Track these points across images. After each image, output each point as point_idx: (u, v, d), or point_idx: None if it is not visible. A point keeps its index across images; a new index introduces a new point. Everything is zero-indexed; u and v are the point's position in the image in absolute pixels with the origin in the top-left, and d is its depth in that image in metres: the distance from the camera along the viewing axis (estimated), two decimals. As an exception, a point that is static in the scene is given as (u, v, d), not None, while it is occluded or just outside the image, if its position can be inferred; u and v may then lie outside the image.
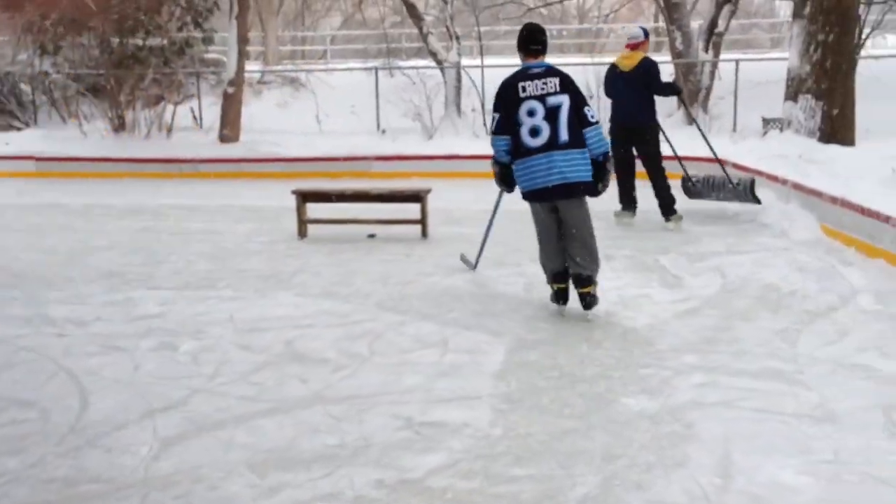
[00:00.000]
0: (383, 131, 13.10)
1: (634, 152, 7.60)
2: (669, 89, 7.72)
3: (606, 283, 5.62)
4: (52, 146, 12.66)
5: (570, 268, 4.95)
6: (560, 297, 5.06)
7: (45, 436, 3.42)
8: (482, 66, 13.53)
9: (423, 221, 7.22)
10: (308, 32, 26.37)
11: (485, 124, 12.49)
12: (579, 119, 4.77)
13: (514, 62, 5.37)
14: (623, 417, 3.56)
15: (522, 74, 4.86)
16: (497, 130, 4.89)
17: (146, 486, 3.01)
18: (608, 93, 7.79)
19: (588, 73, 12.44)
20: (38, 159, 12.28)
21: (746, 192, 7.70)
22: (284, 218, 7.84)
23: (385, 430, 3.45)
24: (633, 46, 7.63)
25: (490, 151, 5.06)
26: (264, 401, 3.77)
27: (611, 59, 13.80)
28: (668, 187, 7.53)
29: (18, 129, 14.15)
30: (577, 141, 4.75)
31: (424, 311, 5.10)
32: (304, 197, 7.41)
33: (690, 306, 5.10)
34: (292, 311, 5.16)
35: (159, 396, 3.80)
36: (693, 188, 8.19)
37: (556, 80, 4.80)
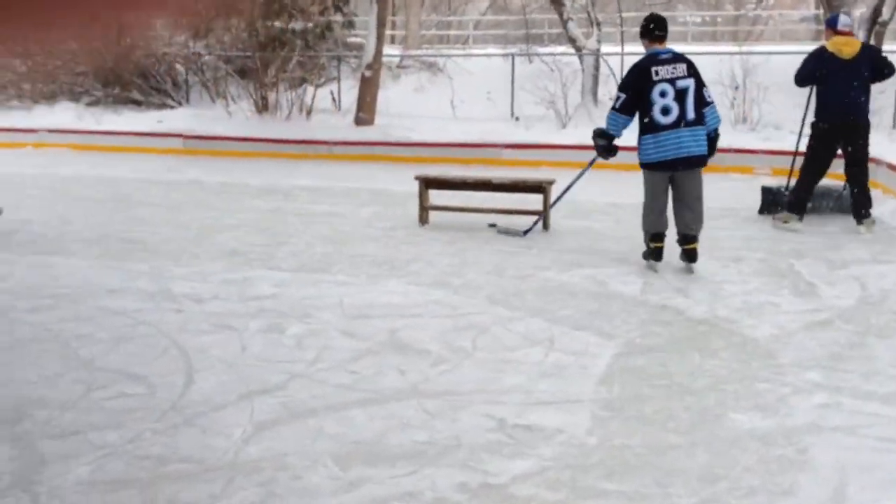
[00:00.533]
0: (517, 118, 12.94)
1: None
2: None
3: (732, 287, 5.31)
4: (200, 125, 13.26)
5: (679, 228, 5.62)
6: (657, 254, 5.69)
7: (147, 411, 3.53)
8: (622, 54, 13.12)
9: (545, 213, 7.05)
10: (452, 17, 26.44)
11: (621, 113, 12.10)
12: (700, 98, 5.47)
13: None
14: (731, 435, 3.31)
15: (653, 59, 5.51)
16: (621, 109, 5.54)
17: (233, 470, 3.04)
18: (818, 81, 6.81)
19: (734, 62, 11.85)
20: (186, 137, 12.89)
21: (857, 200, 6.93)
22: (409, 203, 7.85)
23: (476, 431, 3.35)
24: (848, 33, 6.89)
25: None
26: (359, 390, 3.74)
27: (764, 47, 13.10)
28: (869, 189, 6.87)
29: (171, 107, 14.91)
30: (700, 119, 5.46)
31: (536, 307, 4.96)
32: (427, 183, 7.39)
33: (822, 318, 4.71)
34: (402, 299, 5.14)
35: (259, 379, 3.85)
36: (781, 199, 7.40)
37: (684, 66, 5.50)
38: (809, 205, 7.24)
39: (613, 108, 5.60)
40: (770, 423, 3.39)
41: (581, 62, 13.16)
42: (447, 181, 7.62)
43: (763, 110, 11.29)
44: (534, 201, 7.10)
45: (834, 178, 7.41)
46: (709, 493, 2.88)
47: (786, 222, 6.99)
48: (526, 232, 6.81)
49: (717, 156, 10.06)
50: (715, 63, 12.02)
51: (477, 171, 9.62)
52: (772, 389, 3.72)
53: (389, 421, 3.45)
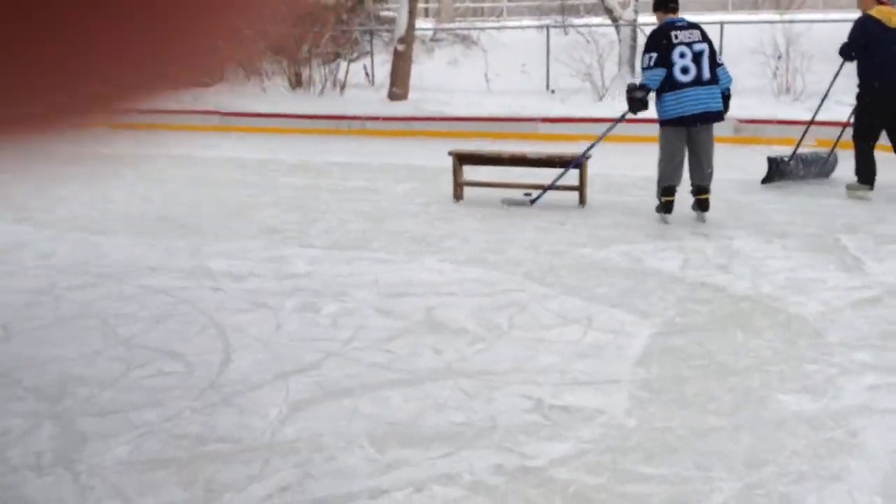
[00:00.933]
0: (552, 91, 12.78)
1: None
2: None
3: (776, 262, 5.19)
4: (235, 101, 13.28)
5: (694, 180, 6.19)
6: (669, 208, 6.26)
7: (185, 390, 3.53)
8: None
9: (581, 188, 6.94)
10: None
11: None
12: (713, 61, 6.08)
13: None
14: (776, 418, 3.22)
15: (671, 26, 6.13)
16: (656, 65, 6.06)
17: (269, 450, 3.03)
18: (864, 50, 6.70)
19: (777, 31, 11.56)
20: (222, 114, 12.92)
21: (833, 163, 7.53)
22: (443, 179, 7.79)
23: (513, 412, 3.31)
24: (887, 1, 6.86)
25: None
26: (395, 370, 3.72)
27: (806, 16, 12.78)
28: None
29: (207, 84, 14.92)
30: (714, 78, 6.05)
31: (572, 285, 4.88)
32: (461, 159, 7.31)
33: (870, 295, 4.57)
34: (437, 276, 5.09)
35: (295, 358, 3.83)
36: (786, 169, 7.50)
37: (698, 32, 6.13)
38: (801, 171, 7.54)
39: (648, 66, 6.09)
40: (818, 406, 3.30)
41: (618, 33, 12.94)
42: (482, 156, 7.53)
43: (807, 80, 11.01)
44: (570, 176, 6.99)
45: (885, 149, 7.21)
46: (754, 479, 2.80)
47: (857, 191, 6.89)
48: (533, 201, 6.85)
49: (758, 126, 9.97)
50: (756, 32, 11.78)
51: (512, 145, 9.51)
52: (819, 370, 3.62)
53: (425, 401, 3.41)
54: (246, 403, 3.41)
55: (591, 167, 7.01)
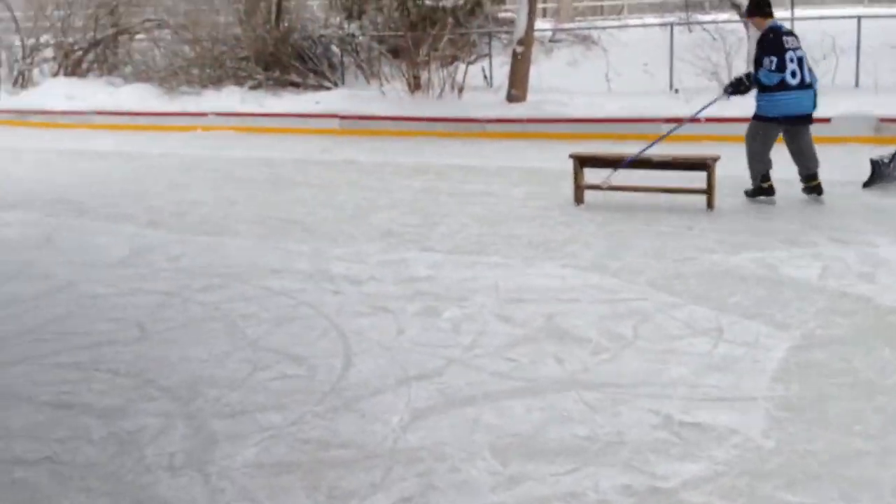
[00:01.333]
0: (676, 91, 12.39)
1: None
2: None
3: (924, 272, 4.82)
4: (355, 105, 13.51)
5: (803, 171, 6.81)
6: (771, 190, 6.82)
7: (308, 394, 3.57)
8: (792, 19, 12.27)
9: (709, 192, 6.67)
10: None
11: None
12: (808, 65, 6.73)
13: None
14: (932, 444, 2.98)
15: (781, 31, 6.76)
16: (777, 69, 6.53)
17: (392, 458, 3.01)
18: None
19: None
20: (342, 118, 13.17)
21: None
22: (563, 182, 7.64)
23: (640, 427, 3.18)
24: None
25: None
26: (517, 379, 3.64)
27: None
28: None
29: (328, 88, 15.26)
30: (811, 83, 6.69)
31: (700, 293, 4.68)
32: (582, 161, 7.16)
33: None
34: (558, 282, 4.98)
35: (416, 364, 3.81)
36: (886, 171, 7.17)
37: (796, 39, 6.74)
38: (894, 172, 7.28)
39: (770, 69, 6.52)
40: (978, 432, 3.02)
41: (747, 29, 12.39)
42: (603, 159, 7.35)
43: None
44: (697, 179, 6.74)
45: None
46: (908, 510, 2.59)
47: None
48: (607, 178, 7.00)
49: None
50: (898, 25, 11.07)
51: (634, 147, 9.25)
52: (979, 393, 3.33)
53: (548, 413, 3.32)
54: (368, 409, 3.41)
55: (721, 169, 6.73)
